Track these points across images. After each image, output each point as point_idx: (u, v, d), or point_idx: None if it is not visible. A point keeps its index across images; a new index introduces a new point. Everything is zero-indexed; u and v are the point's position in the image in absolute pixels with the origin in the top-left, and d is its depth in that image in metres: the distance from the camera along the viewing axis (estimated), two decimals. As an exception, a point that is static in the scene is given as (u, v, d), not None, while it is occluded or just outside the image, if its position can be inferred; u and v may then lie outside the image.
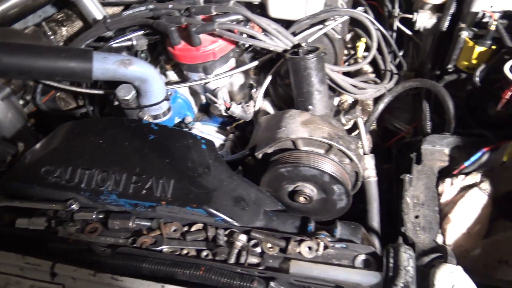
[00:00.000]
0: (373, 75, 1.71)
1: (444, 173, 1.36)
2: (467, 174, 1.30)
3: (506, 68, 1.21)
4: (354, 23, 1.64)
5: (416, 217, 1.28)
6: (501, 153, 1.27)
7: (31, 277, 0.90)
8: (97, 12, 1.55)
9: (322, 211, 1.22)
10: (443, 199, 1.29)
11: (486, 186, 1.24)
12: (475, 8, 1.39)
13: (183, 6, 1.37)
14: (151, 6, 1.40)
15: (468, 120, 1.45)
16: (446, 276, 0.81)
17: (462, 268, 1.22)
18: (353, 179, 1.25)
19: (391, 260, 0.81)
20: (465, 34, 1.39)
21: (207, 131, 1.49)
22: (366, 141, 1.29)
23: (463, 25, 1.41)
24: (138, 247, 0.89)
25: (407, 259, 0.81)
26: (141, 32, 1.46)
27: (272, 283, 0.81)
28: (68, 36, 1.62)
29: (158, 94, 1.30)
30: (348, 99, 1.67)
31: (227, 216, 0.90)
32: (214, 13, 1.31)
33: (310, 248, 0.87)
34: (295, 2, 1.36)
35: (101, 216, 0.94)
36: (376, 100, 1.58)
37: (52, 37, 1.55)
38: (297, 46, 1.29)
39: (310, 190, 1.18)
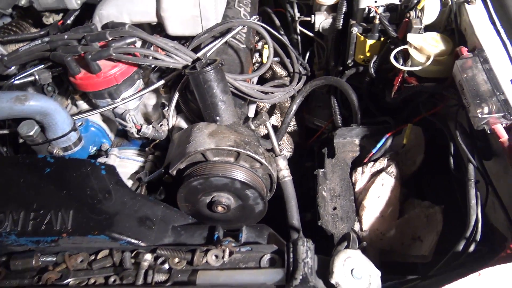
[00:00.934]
0: (288, 78, 1.76)
1: (357, 163, 1.43)
2: (375, 160, 1.37)
3: (391, 57, 1.29)
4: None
5: (334, 208, 1.33)
6: (402, 137, 1.36)
7: None
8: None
9: (243, 217, 1.24)
10: (357, 188, 1.35)
11: (392, 169, 1.32)
12: (362, 4, 1.48)
13: (79, 35, 1.36)
14: (46, 39, 1.38)
15: (371, 109, 1.53)
16: (344, 261, 0.85)
17: (380, 250, 1.29)
18: (268, 182, 1.28)
19: (291, 255, 0.84)
20: (356, 30, 1.47)
21: (126, 155, 1.48)
22: (276, 143, 1.33)
23: (353, 22, 1.49)
24: (43, 285, 0.86)
25: (305, 252, 0.84)
26: (42, 66, 1.43)
27: (180, 295, 0.82)
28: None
29: (63, 125, 1.27)
30: (266, 104, 1.72)
31: (131, 238, 0.90)
32: (110, 38, 1.31)
33: (216, 256, 0.88)
34: (190, 18, 1.39)
35: (3, 259, 0.91)
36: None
37: None
38: (197, 60, 1.32)
39: (226, 199, 1.20)
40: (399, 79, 1.33)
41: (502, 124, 1.01)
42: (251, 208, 1.22)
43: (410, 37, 1.28)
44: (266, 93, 1.50)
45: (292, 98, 1.61)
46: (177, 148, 1.29)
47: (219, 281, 0.84)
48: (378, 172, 1.34)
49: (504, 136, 1.00)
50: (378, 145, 1.37)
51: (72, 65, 1.29)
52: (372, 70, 1.44)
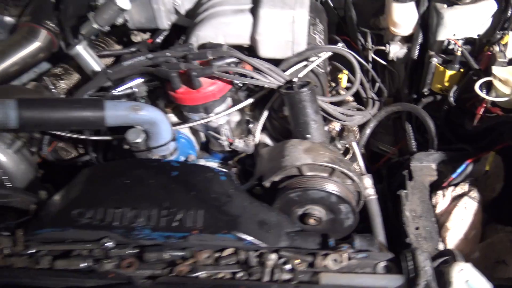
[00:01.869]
0: (355, 103, 1.85)
1: (435, 187, 1.49)
2: (455, 185, 1.43)
3: (476, 87, 1.37)
4: (332, 57, 1.79)
5: (417, 228, 1.39)
6: (483, 163, 1.42)
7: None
8: (95, 64, 1.62)
9: (331, 230, 1.30)
10: (438, 210, 1.41)
11: (474, 194, 1.37)
12: (440, 37, 1.57)
13: (180, 54, 1.47)
14: (150, 55, 1.49)
15: (448, 137, 1.60)
16: (459, 272, 0.91)
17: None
18: (356, 199, 1.35)
19: (410, 263, 0.90)
20: (435, 61, 1.56)
21: (212, 166, 1.57)
22: (362, 162, 1.41)
23: (432, 53, 1.58)
24: (176, 276, 0.94)
25: (424, 260, 0.90)
26: (141, 80, 1.55)
27: (309, 294, 0.88)
28: (67, 89, 1.68)
29: (166, 135, 1.38)
30: (335, 126, 1.80)
31: (255, 239, 0.98)
32: (211, 57, 1.42)
33: (335, 260, 0.95)
34: (283, 43, 1.50)
35: (135, 251, 0.99)
36: (361, 126, 1.72)
37: (54, 90, 1.61)
38: (289, 82, 1.42)
39: (318, 212, 1.27)
40: (482, 109, 1.41)
41: None
42: (341, 222, 1.29)
43: (495, 69, 1.36)
44: (346, 115, 1.58)
45: (366, 122, 1.69)
46: (269, 162, 1.37)
47: (340, 283, 0.90)
48: (460, 196, 1.39)
49: None
50: (459, 170, 1.42)
51: (176, 80, 1.40)
52: (452, 98, 1.52)
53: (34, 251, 1.02)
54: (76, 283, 0.95)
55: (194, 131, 1.62)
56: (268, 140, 1.57)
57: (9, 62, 1.61)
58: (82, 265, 0.97)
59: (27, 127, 1.19)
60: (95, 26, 1.67)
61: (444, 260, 1.01)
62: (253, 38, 1.51)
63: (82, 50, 1.59)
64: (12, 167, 1.38)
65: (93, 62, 1.63)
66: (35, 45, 1.66)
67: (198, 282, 0.92)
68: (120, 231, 1.00)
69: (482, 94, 1.36)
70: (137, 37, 1.89)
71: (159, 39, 1.81)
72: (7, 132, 1.36)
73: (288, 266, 0.95)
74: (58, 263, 0.99)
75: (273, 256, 0.95)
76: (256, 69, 1.41)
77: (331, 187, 1.23)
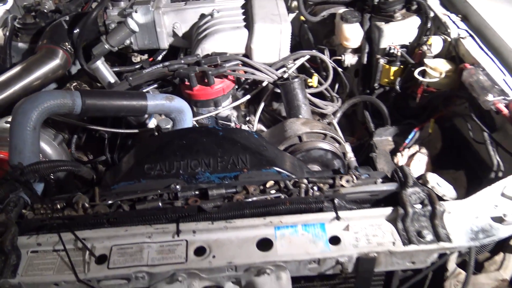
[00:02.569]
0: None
1: (393, 153, 1.94)
2: (409, 148, 1.90)
3: (416, 74, 1.88)
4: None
5: (387, 180, 1.81)
6: (426, 129, 1.91)
7: (159, 240, 1.19)
8: (110, 77, 1.91)
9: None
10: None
11: (424, 151, 1.85)
12: (382, 45, 2.10)
13: (192, 61, 1.83)
14: (166, 63, 1.83)
15: (397, 117, 2.09)
16: (432, 176, 1.33)
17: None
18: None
19: (400, 174, 1.30)
20: (382, 61, 2.07)
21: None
22: (341, 134, 1.83)
23: (378, 56, 2.10)
24: (232, 201, 1.24)
25: (409, 171, 1.31)
26: (156, 85, 1.87)
27: (336, 200, 1.24)
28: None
29: (189, 122, 1.70)
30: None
31: (289, 172, 1.32)
32: (219, 61, 1.80)
33: (347, 181, 1.32)
34: (272, 50, 1.93)
35: (197, 192, 1.29)
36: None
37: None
38: (281, 78, 1.83)
39: (317, 169, 1.65)
40: (421, 90, 1.91)
41: (502, 104, 1.58)
42: (335, 176, 1.67)
43: (427, 61, 1.88)
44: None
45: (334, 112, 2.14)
46: (273, 138, 1.73)
47: (356, 190, 1.28)
48: (413, 154, 1.86)
49: (505, 110, 1.57)
50: (410, 137, 1.90)
51: (194, 79, 1.75)
52: (398, 87, 2.02)
53: (111, 202, 1.27)
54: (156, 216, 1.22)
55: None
56: (263, 128, 1.94)
57: (33, 76, 1.85)
58: (159, 204, 1.25)
59: (88, 112, 1.44)
60: (107, 46, 1.98)
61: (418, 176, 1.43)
62: (248, 47, 1.92)
63: (100, 65, 1.88)
64: (56, 157, 1.60)
65: (109, 75, 1.92)
66: (55, 63, 1.92)
67: (253, 203, 1.24)
68: (185, 177, 1.29)
69: (420, 78, 1.87)
70: (137, 58, 2.21)
71: (159, 58, 2.15)
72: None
73: (315, 187, 1.30)
74: (138, 206, 1.25)
75: (305, 181, 1.30)
76: (256, 68, 1.81)
77: (327, 146, 1.62)
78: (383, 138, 1.99)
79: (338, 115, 2.11)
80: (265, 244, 1.18)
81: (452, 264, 1.43)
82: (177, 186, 1.27)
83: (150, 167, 1.30)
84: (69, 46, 1.97)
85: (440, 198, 1.29)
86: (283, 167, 1.33)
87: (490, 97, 1.59)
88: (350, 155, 1.80)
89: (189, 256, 1.16)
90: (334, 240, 1.19)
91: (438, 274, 1.46)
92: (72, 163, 1.39)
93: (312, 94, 2.06)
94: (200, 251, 1.17)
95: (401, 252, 1.17)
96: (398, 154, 1.88)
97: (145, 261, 1.15)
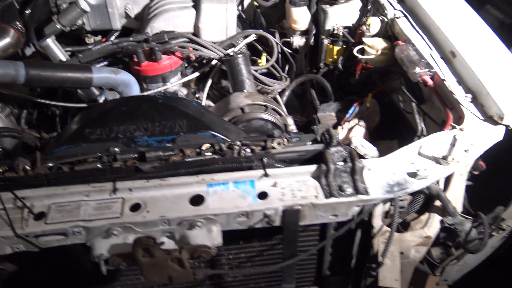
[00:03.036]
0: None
1: (335, 127, 2.06)
2: (349, 121, 2.01)
3: (355, 51, 1.99)
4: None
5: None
6: (365, 104, 2.03)
7: (96, 198, 1.26)
8: (61, 55, 1.95)
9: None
10: (340, 138, 1.96)
11: (362, 123, 1.96)
12: (327, 27, 2.21)
13: (141, 38, 1.89)
14: (115, 41, 1.89)
15: (340, 94, 2.20)
16: (357, 139, 1.44)
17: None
18: (284, 129, 1.84)
19: (327, 135, 1.41)
20: (326, 41, 2.18)
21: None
22: (283, 107, 1.93)
23: (323, 37, 2.21)
24: (168, 161, 1.32)
25: (334, 133, 1.42)
26: (105, 63, 1.92)
27: (265, 159, 1.33)
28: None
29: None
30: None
31: (224, 136, 1.41)
32: (167, 38, 1.86)
33: (279, 143, 1.42)
34: (219, 29, 2.01)
35: (137, 155, 1.36)
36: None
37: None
38: (227, 55, 1.92)
39: (258, 139, 1.74)
40: (360, 67, 2.03)
41: (428, 76, 1.71)
42: (276, 146, 1.77)
43: (365, 39, 2.00)
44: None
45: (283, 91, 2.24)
46: (219, 110, 1.82)
47: (285, 151, 1.37)
48: (353, 127, 1.97)
49: (430, 82, 1.69)
50: (350, 111, 2.02)
51: (141, 55, 1.81)
52: (340, 65, 2.14)
53: (52, 165, 1.33)
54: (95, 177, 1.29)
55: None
56: (212, 104, 2.02)
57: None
58: (98, 165, 1.31)
59: (32, 82, 1.49)
60: (58, 26, 2.02)
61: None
62: (196, 26, 1.99)
63: (51, 43, 1.92)
64: (2, 128, 1.64)
65: (60, 53, 1.96)
66: (5, 41, 1.94)
67: (187, 163, 1.32)
68: (124, 141, 1.36)
69: (359, 55, 1.98)
70: (90, 39, 2.25)
71: (111, 38, 2.20)
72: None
73: (248, 150, 1.39)
74: (77, 167, 1.32)
75: (238, 143, 1.39)
76: (202, 46, 1.89)
77: (268, 116, 1.71)
78: (327, 114, 2.10)
79: (287, 93, 2.21)
80: (197, 200, 1.27)
81: (377, 221, 1.55)
82: (116, 149, 1.34)
83: (90, 131, 1.36)
84: (20, 26, 2.00)
85: (362, 157, 1.40)
86: (219, 131, 1.41)
87: (417, 70, 1.71)
88: (292, 127, 1.89)
89: (125, 211, 1.23)
90: (262, 195, 1.28)
91: (366, 232, 1.58)
92: (15, 129, 1.44)
93: (263, 74, 2.15)
94: (135, 207, 1.25)
95: (323, 204, 1.27)
96: (339, 127, 1.99)
97: (82, 216, 1.21)
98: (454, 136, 1.35)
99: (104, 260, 1.19)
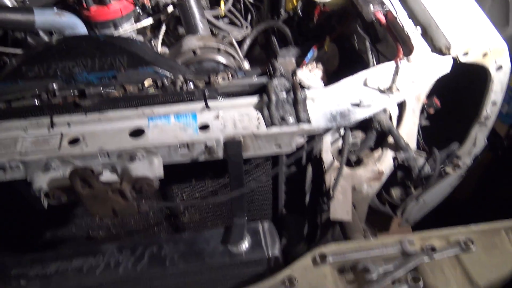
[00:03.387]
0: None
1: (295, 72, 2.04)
2: (308, 65, 1.99)
3: (311, -6, 1.96)
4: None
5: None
6: (324, 48, 2.01)
7: (34, 133, 1.24)
8: (7, 1, 1.88)
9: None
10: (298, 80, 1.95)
11: (320, 67, 1.95)
12: (288, -28, 2.16)
13: (90, -17, 1.84)
14: (64, -15, 1.83)
15: (300, 40, 2.18)
16: (302, 72, 1.43)
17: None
18: (238, 74, 1.82)
19: (271, 68, 1.39)
20: (286, -13, 2.14)
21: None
22: (239, 51, 1.90)
23: (282, -16, 2.17)
24: (110, 97, 1.31)
25: (278, 66, 1.40)
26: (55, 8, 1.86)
27: (207, 91, 1.32)
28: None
29: (84, 40, 1.72)
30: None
31: (166, 71, 1.39)
32: (117, -18, 1.81)
33: (223, 78, 1.40)
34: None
35: (76, 92, 1.34)
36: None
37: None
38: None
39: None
40: (317, 11, 2.00)
41: (381, 14, 1.69)
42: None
43: (322, -18, 1.96)
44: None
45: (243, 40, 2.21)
46: (172, 55, 1.79)
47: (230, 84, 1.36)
48: (311, 70, 1.95)
49: (383, 19, 1.67)
50: (309, 55, 1.99)
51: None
52: (299, 10, 2.10)
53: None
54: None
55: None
56: (166, 50, 1.99)
57: None
58: (36, 101, 1.29)
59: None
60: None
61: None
62: (146, -30, 1.94)
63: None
64: None
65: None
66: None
67: (127, 97, 1.30)
68: (63, 77, 1.34)
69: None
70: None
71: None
72: None
73: (191, 84, 1.38)
74: (14, 104, 1.29)
75: (181, 78, 1.37)
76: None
77: (219, 58, 1.69)
78: (286, 59, 2.07)
79: (248, 41, 2.18)
80: (137, 133, 1.26)
81: (328, 156, 1.56)
82: (54, 86, 1.32)
83: (28, 69, 1.34)
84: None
85: (304, 88, 1.40)
86: (162, 67, 1.39)
87: (371, 8, 1.69)
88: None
89: (63, 145, 1.22)
90: (203, 127, 1.28)
91: (318, 168, 1.59)
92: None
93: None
94: (74, 141, 1.24)
95: (264, 134, 1.27)
96: (299, 70, 1.97)
97: (18, 151, 1.20)
98: (397, 66, 1.34)
99: (44, 194, 1.19)
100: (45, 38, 1.75)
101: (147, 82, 1.37)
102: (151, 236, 1.65)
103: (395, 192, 2.08)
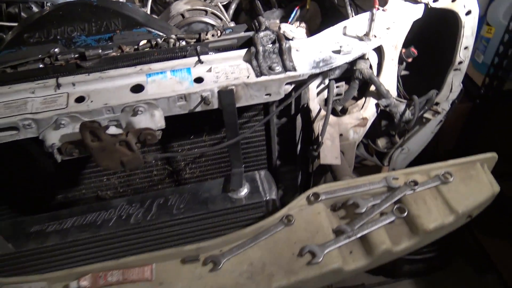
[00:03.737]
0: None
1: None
2: (292, 24, 2.09)
3: (291, -45, 2.04)
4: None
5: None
6: (306, 7, 2.10)
7: (42, 94, 1.34)
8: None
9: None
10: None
11: (303, 25, 2.04)
12: None
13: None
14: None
15: (284, 2, 2.27)
16: (286, 25, 1.53)
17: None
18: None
19: (256, 23, 1.49)
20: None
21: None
22: (225, 13, 1.99)
23: None
24: (112, 57, 1.40)
25: (263, 21, 1.50)
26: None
27: (198, 47, 1.42)
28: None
29: None
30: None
31: (159, 31, 1.48)
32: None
33: (213, 35, 1.50)
34: None
35: (76, 55, 1.43)
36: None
37: None
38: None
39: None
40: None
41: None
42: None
43: None
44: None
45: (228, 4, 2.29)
46: (161, 19, 1.87)
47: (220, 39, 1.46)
48: (295, 28, 2.05)
49: (359, -27, 1.77)
50: (292, 15, 2.09)
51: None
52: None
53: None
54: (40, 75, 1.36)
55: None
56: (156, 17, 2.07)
57: None
58: (40, 65, 1.38)
59: None
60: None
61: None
62: None
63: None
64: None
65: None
66: None
67: (125, 56, 1.40)
68: (63, 41, 1.43)
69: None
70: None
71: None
72: None
73: (183, 42, 1.47)
74: (20, 68, 1.38)
75: (173, 37, 1.47)
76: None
77: (207, 19, 1.78)
78: (271, 21, 2.17)
79: (233, 6, 2.26)
80: (137, 89, 1.36)
81: (314, 105, 1.67)
82: (56, 50, 1.40)
83: (29, 35, 1.42)
84: None
85: (289, 39, 1.50)
86: (154, 27, 1.48)
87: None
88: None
89: (70, 103, 1.32)
90: (198, 80, 1.38)
91: (306, 117, 1.71)
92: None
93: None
94: (80, 99, 1.33)
95: (254, 83, 1.38)
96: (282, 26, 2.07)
97: (29, 110, 1.30)
98: (372, 14, 1.45)
99: (57, 149, 1.29)
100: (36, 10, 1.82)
101: (142, 42, 1.46)
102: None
103: (381, 142, 2.22)
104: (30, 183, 1.62)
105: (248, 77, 1.38)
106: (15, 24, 1.80)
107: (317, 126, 1.70)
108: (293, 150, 1.81)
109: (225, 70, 1.40)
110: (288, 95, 1.48)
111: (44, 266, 1.48)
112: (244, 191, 1.61)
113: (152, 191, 1.78)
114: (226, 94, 1.37)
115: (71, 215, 1.54)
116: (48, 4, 1.76)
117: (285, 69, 1.39)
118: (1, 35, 1.85)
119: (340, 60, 1.45)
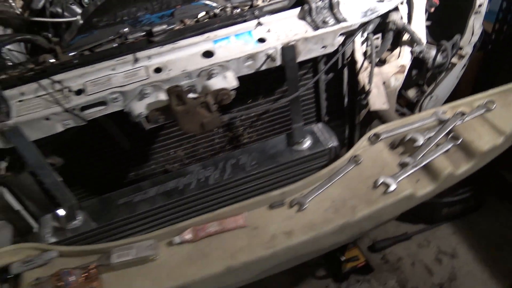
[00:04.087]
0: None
1: None
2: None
3: None
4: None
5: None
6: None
7: (122, 70, 1.44)
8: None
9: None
10: None
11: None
12: None
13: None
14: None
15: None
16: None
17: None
18: None
19: (302, -15, 1.61)
20: None
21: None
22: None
23: None
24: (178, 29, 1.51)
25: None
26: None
27: (255, 11, 1.53)
28: None
29: None
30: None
31: (214, 2, 1.60)
32: None
33: (263, 0, 1.62)
34: None
35: (144, 33, 1.53)
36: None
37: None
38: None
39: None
40: None
41: None
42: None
43: None
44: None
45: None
46: None
47: (272, 2, 1.58)
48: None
49: None
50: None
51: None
52: None
53: (74, 53, 1.49)
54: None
55: None
56: None
57: None
58: (115, 44, 1.49)
59: None
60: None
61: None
62: None
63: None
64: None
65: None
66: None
67: (191, 27, 1.51)
68: (130, 22, 1.53)
69: None
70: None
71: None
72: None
73: (238, 10, 1.59)
74: (96, 50, 1.49)
75: (229, 5, 1.59)
76: None
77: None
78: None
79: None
80: (208, 54, 1.47)
81: (359, 56, 1.80)
82: (125, 29, 1.51)
83: (98, 19, 1.52)
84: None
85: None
86: None
87: None
88: None
89: (150, 74, 1.43)
90: (261, 40, 1.50)
91: (352, 70, 1.84)
92: (29, 34, 1.57)
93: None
94: (158, 70, 1.44)
95: (313, 36, 1.50)
96: None
97: (115, 84, 1.40)
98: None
99: (145, 117, 1.40)
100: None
101: (201, 14, 1.58)
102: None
103: (411, 93, 2.35)
104: (108, 162, 1.72)
105: (306, 31, 1.50)
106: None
107: (362, 77, 1.82)
108: (340, 104, 1.93)
109: (283, 29, 1.52)
110: (335, 52, 1.60)
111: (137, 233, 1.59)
112: (307, 143, 1.74)
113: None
114: (288, 49, 1.48)
115: (153, 184, 1.64)
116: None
117: (338, 20, 1.52)
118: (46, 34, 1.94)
119: (385, 7, 1.58)
